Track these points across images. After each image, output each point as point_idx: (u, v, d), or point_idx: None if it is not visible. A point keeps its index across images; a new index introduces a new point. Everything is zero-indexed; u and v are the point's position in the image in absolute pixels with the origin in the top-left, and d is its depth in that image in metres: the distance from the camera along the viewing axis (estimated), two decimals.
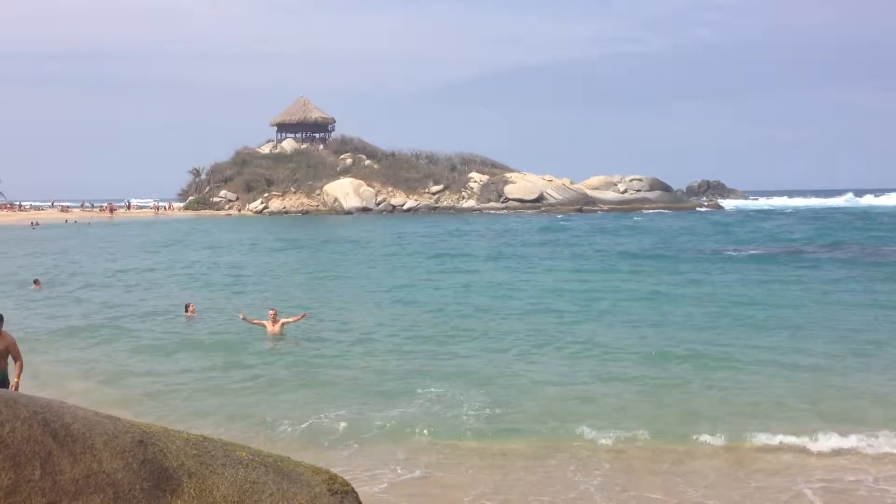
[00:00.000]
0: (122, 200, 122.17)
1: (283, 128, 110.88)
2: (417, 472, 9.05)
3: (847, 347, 15.27)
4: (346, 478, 7.32)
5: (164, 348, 16.03)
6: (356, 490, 7.18)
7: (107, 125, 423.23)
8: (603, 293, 23.43)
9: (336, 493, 7.03)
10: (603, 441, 9.87)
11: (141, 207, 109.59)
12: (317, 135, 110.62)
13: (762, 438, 9.88)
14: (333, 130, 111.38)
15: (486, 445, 9.89)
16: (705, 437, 9.92)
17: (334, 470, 7.65)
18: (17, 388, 8.65)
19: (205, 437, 6.96)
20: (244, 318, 17.35)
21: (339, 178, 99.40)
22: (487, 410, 11.23)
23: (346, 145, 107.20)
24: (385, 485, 8.77)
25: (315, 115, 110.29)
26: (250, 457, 6.85)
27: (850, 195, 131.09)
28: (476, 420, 10.86)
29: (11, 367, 9.11)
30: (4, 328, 8.94)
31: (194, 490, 6.07)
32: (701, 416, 10.83)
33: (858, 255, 35.44)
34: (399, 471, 9.14)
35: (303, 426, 10.75)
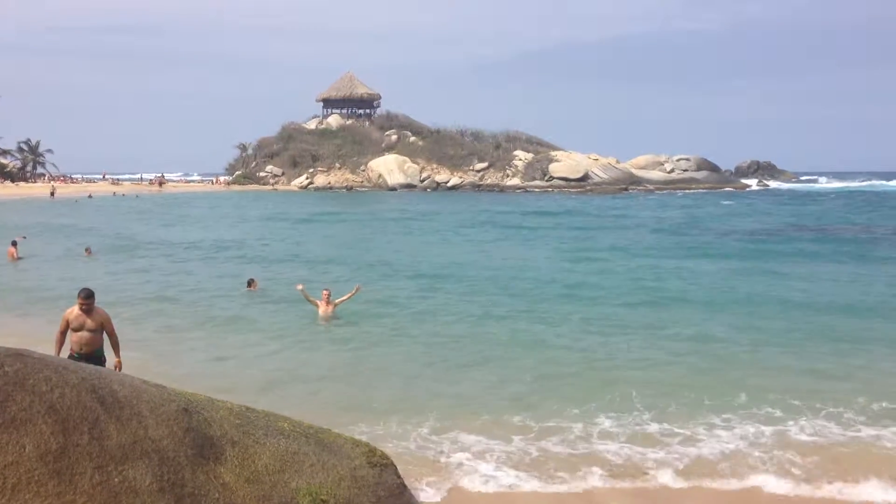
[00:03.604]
0: (174, 174, 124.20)
1: (329, 103, 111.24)
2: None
3: None
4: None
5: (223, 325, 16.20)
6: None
7: (156, 99, 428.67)
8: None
9: (375, 465, 7.11)
10: None
11: (188, 181, 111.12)
12: (362, 111, 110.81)
13: None
14: (379, 106, 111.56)
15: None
16: None
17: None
18: (120, 368, 8.30)
19: (248, 408, 7.06)
20: (302, 291, 16.84)
21: (383, 155, 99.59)
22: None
23: (391, 121, 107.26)
24: None
25: (361, 90, 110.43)
26: (291, 428, 6.95)
27: None
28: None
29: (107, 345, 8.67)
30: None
31: (237, 458, 6.18)
32: None
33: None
34: None
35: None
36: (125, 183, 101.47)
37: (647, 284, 21.44)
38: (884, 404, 10.49)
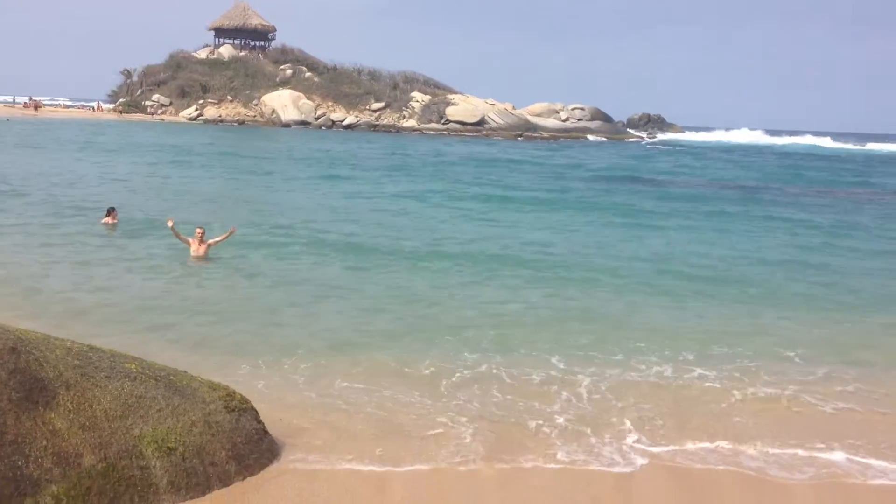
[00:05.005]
0: (49, 98, 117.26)
1: (221, 33, 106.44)
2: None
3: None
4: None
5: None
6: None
7: (36, 19, 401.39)
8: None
9: (233, 410, 6.66)
10: None
11: (67, 106, 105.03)
12: (257, 43, 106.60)
13: None
14: (274, 39, 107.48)
15: None
16: None
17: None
18: None
19: (91, 347, 6.47)
20: (172, 227, 15.82)
21: (277, 90, 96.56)
22: None
23: (286, 55, 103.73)
24: None
25: (255, 21, 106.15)
26: (140, 370, 6.41)
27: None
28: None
29: None
30: None
31: (71, 403, 5.62)
32: None
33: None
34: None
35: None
36: None
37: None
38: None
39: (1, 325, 5.87)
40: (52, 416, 5.44)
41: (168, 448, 5.82)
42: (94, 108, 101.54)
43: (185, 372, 6.92)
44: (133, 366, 6.38)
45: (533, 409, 8.47)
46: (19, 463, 5.06)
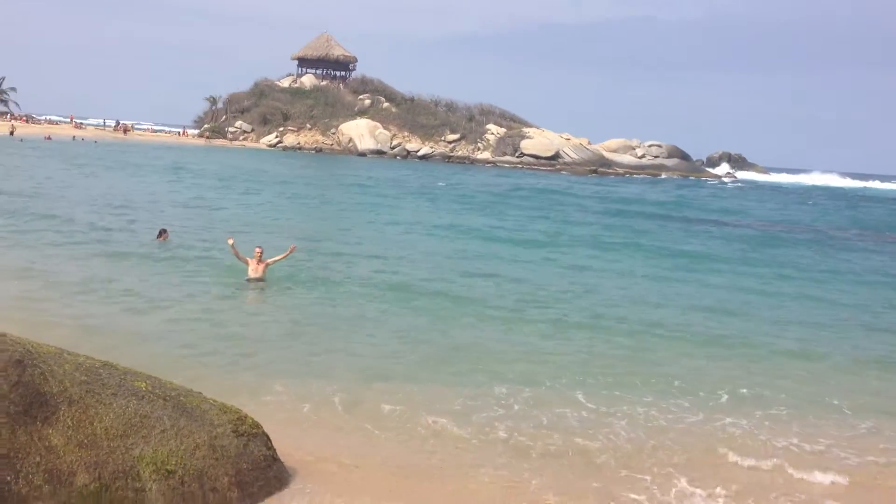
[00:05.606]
0: (143, 123, 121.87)
1: (304, 63, 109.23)
2: None
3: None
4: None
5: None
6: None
7: (129, 45, 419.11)
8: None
9: (242, 434, 6.50)
10: None
11: (156, 131, 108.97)
12: (337, 73, 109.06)
13: None
14: (354, 70, 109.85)
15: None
16: None
17: None
18: None
19: (105, 364, 6.41)
20: (233, 246, 15.81)
21: (355, 119, 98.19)
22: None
23: (365, 86, 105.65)
24: None
25: (337, 52, 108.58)
26: (150, 388, 6.32)
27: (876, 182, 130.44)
28: None
29: None
30: None
31: (72, 419, 5.54)
32: None
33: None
34: None
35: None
36: (89, 127, 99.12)
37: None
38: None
39: (12, 337, 5.87)
40: (50, 431, 5.39)
41: (167, 470, 5.70)
42: (179, 133, 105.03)
43: (200, 393, 6.82)
44: (143, 384, 6.31)
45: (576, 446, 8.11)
46: (9, 478, 5.00)
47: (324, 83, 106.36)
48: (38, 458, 5.19)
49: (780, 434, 8.93)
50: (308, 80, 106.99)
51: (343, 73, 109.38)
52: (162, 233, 19.12)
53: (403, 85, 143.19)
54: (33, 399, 5.45)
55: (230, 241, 16.02)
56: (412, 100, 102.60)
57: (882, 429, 9.41)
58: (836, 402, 10.23)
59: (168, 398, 6.32)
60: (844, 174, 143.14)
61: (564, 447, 8.20)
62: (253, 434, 6.58)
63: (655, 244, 27.23)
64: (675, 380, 10.66)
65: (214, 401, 6.78)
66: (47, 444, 5.30)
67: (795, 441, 8.77)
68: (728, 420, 9.27)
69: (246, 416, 6.71)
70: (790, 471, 7.93)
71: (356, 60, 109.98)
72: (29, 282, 13.81)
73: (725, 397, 10.11)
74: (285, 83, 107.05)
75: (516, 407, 9.32)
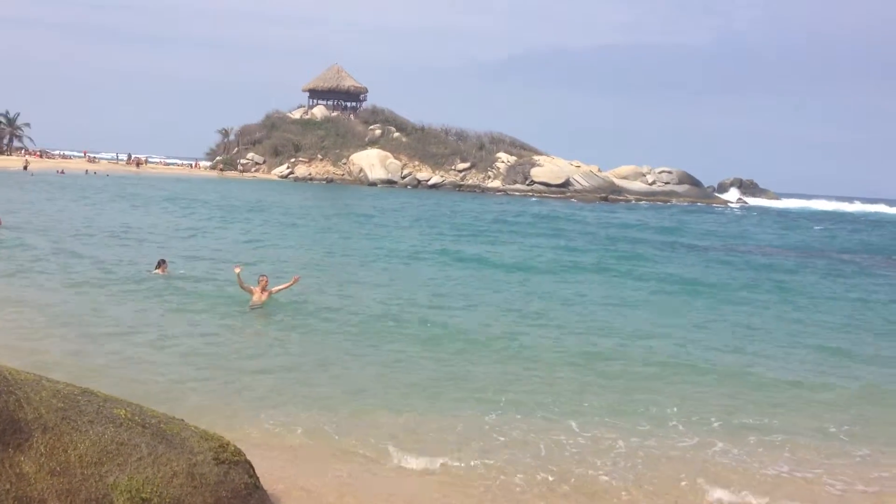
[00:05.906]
0: (156, 156, 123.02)
1: (315, 94, 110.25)
2: None
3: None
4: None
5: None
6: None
7: (139, 79, 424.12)
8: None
9: (223, 462, 6.40)
10: None
11: (167, 164, 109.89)
12: (348, 104, 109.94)
13: None
14: (365, 100, 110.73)
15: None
16: None
17: None
18: None
19: (84, 391, 6.34)
20: (239, 275, 15.69)
21: (366, 149, 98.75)
22: None
23: (376, 116, 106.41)
24: None
25: (348, 83, 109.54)
26: (129, 416, 6.24)
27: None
28: None
29: None
30: None
31: (45, 447, 5.46)
32: None
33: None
34: None
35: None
36: (102, 161, 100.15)
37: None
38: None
39: None
40: (22, 458, 5.31)
41: (141, 499, 5.60)
42: (191, 166, 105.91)
43: (181, 420, 6.74)
44: (123, 411, 6.23)
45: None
46: None
47: (335, 114, 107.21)
48: (7, 486, 5.11)
49: (772, 462, 8.75)
50: (319, 111, 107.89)
51: (354, 103, 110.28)
52: (161, 264, 19.05)
53: (414, 113, 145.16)
54: (6, 426, 5.38)
55: (237, 270, 15.98)
56: (422, 129, 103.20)
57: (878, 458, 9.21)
58: (832, 430, 10.02)
59: (147, 425, 6.23)
60: (853, 199, 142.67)
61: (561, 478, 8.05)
62: (235, 462, 6.48)
63: (652, 270, 27.00)
64: (667, 407, 10.48)
65: (196, 428, 6.69)
66: (18, 470, 5.22)
67: (786, 469, 8.58)
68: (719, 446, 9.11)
69: (228, 444, 6.61)
70: (783, 502, 7.75)
71: (367, 91, 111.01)
72: (22, 311, 13.83)
73: (717, 424, 9.93)
74: (296, 114, 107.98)
75: (513, 434, 9.19)
